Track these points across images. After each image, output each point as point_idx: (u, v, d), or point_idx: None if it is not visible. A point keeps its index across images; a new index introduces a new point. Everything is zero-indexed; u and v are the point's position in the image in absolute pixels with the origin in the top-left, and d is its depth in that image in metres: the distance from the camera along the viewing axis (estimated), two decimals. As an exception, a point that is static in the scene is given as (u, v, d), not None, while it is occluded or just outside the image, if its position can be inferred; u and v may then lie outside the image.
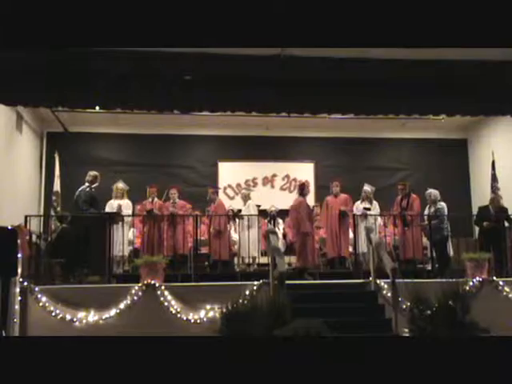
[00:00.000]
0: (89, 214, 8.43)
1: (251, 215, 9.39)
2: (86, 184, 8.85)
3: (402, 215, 9.28)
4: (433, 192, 9.41)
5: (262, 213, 10.59)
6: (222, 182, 11.87)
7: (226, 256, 9.19)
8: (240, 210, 9.71)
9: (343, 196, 9.65)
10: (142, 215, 9.25)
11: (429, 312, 5.80)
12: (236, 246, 9.40)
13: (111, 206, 9.38)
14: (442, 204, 9.31)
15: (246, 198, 10.07)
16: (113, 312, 7.14)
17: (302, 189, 9.15)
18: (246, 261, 9.38)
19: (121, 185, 9.60)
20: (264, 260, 9.04)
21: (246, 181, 12.02)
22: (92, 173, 9.02)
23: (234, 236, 9.64)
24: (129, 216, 9.15)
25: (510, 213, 9.27)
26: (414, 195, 9.56)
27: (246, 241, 9.02)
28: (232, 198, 11.69)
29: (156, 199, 9.53)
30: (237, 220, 9.56)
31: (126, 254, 9.20)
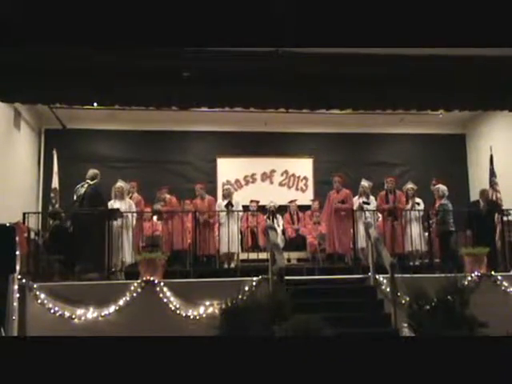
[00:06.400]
0: (86, 211, 8.38)
1: (232, 211, 9.36)
2: (89, 182, 8.76)
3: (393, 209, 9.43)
4: (441, 187, 9.45)
5: (261, 209, 10.60)
6: (221, 178, 11.82)
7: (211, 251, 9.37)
8: (232, 205, 9.63)
9: (345, 191, 9.67)
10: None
11: (428, 307, 5.81)
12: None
13: (111, 206, 9.23)
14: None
15: (228, 196, 9.85)
16: (112, 309, 7.12)
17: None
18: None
19: (120, 184, 9.41)
20: (244, 256, 9.07)
21: (245, 177, 11.97)
22: (93, 171, 8.95)
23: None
24: (128, 212, 9.06)
25: (506, 207, 9.33)
26: (398, 191, 9.74)
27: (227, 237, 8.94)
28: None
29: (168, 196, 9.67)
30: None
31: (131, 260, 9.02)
